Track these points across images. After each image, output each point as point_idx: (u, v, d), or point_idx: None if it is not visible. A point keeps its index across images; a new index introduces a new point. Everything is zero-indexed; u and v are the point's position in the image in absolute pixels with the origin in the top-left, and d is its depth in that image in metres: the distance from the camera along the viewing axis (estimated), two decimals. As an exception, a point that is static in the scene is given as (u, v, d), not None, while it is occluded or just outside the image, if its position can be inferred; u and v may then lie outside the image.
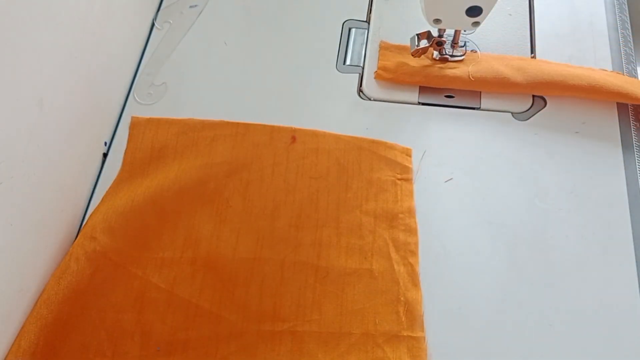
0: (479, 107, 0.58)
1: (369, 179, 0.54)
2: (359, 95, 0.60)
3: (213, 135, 0.56)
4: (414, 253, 0.50)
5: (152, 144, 0.56)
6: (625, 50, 0.61)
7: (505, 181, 0.54)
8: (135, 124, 0.57)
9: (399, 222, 0.51)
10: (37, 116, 0.44)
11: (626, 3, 0.65)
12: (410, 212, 0.52)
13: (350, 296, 0.48)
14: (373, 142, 0.56)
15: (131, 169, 0.55)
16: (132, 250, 0.50)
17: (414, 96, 0.59)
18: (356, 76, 0.61)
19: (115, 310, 0.47)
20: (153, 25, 0.65)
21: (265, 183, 0.53)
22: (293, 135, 0.56)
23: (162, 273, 0.49)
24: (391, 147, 0.55)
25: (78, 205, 0.53)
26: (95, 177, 0.55)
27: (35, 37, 0.43)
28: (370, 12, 0.66)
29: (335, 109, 0.59)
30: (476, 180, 0.54)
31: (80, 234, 0.50)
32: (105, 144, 0.57)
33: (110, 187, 0.54)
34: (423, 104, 0.59)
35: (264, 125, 0.57)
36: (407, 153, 0.55)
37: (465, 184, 0.53)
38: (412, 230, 0.51)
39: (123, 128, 0.58)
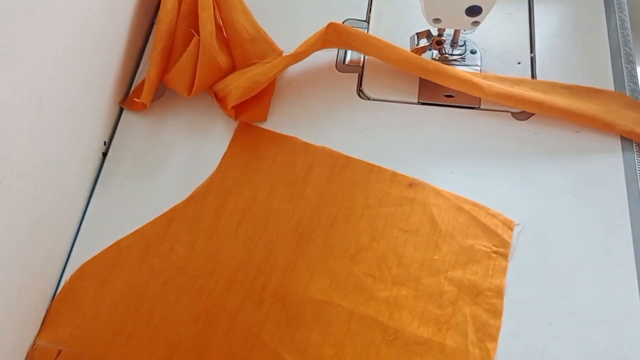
0: (478, 106, 0.58)
1: (461, 244, 0.49)
2: (359, 95, 0.60)
3: (312, 160, 0.55)
4: (494, 338, 0.45)
5: (251, 154, 0.55)
6: (625, 50, 0.60)
7: (505, 181, 0.54)
8: (240, 129, 0.57)
9: (484, 300, 0.47)
10: (37, 116, 0.44)
11: (626, 3, 0.65)
12: (499, 292, 0.47)
13: None
14: (475, 205, 0.51)
15: (225, 175, 0.54)
16: (206, 264, 0.49)
17: (413, 96, 0.59)
18: (356, 76, 0.61)
19: (176, 320, 0.47)
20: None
21: (351, 223, 0.51)
22: (411, 183, 0.53)
23: (230, 292, 0.48)
24: (493, 215, 0.51)
25: (77, 205, 0.53)
26: (95, 177, 0.55)
27: (35, 37, 0.43)
28: (370, 12, 0.66)
29: (335, 109, 0.59)
30: (476, 179, 0.54)
31: (159, 241, 0.50)
32: (105, 143, 0.57)
33: (200, 187, 0.53)
34: (423, 103, 0.59)
35: (364, 163, 0.54)
36: (509, 226, 0.50)
37: (465, 184, 0.53)
38: (496, 312, 0.46)
39: (122, 128, 0.58)
